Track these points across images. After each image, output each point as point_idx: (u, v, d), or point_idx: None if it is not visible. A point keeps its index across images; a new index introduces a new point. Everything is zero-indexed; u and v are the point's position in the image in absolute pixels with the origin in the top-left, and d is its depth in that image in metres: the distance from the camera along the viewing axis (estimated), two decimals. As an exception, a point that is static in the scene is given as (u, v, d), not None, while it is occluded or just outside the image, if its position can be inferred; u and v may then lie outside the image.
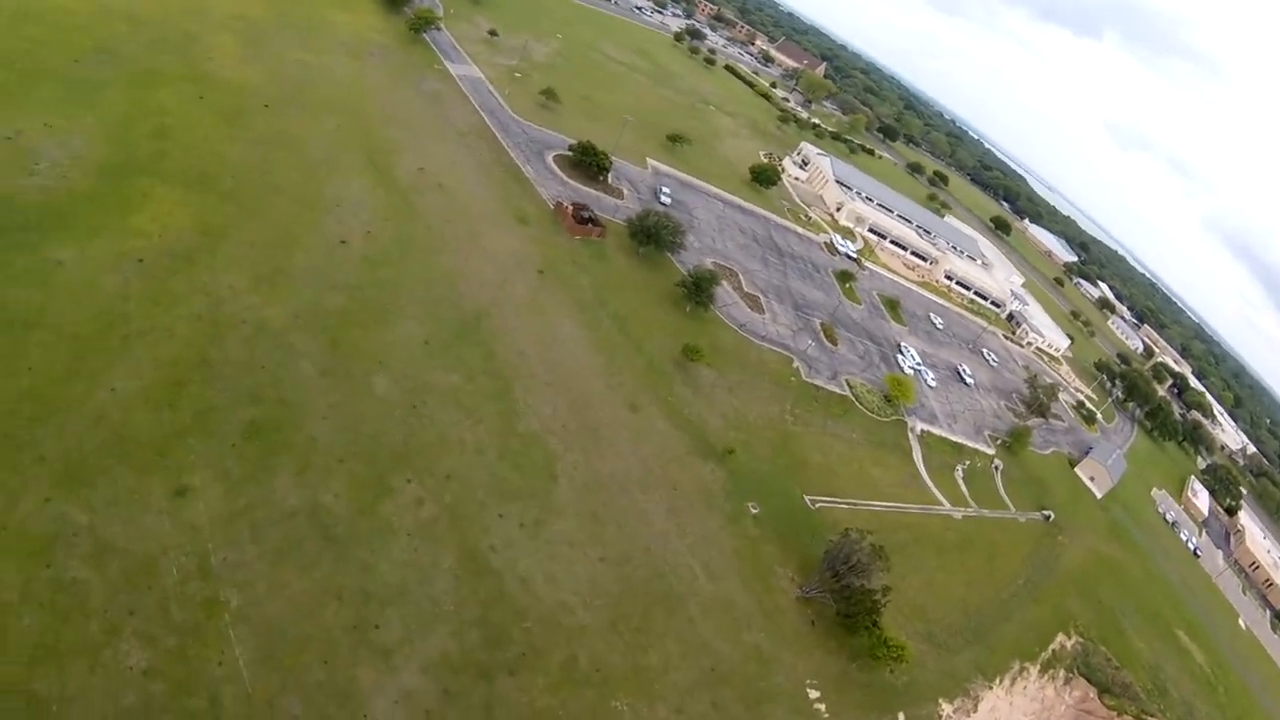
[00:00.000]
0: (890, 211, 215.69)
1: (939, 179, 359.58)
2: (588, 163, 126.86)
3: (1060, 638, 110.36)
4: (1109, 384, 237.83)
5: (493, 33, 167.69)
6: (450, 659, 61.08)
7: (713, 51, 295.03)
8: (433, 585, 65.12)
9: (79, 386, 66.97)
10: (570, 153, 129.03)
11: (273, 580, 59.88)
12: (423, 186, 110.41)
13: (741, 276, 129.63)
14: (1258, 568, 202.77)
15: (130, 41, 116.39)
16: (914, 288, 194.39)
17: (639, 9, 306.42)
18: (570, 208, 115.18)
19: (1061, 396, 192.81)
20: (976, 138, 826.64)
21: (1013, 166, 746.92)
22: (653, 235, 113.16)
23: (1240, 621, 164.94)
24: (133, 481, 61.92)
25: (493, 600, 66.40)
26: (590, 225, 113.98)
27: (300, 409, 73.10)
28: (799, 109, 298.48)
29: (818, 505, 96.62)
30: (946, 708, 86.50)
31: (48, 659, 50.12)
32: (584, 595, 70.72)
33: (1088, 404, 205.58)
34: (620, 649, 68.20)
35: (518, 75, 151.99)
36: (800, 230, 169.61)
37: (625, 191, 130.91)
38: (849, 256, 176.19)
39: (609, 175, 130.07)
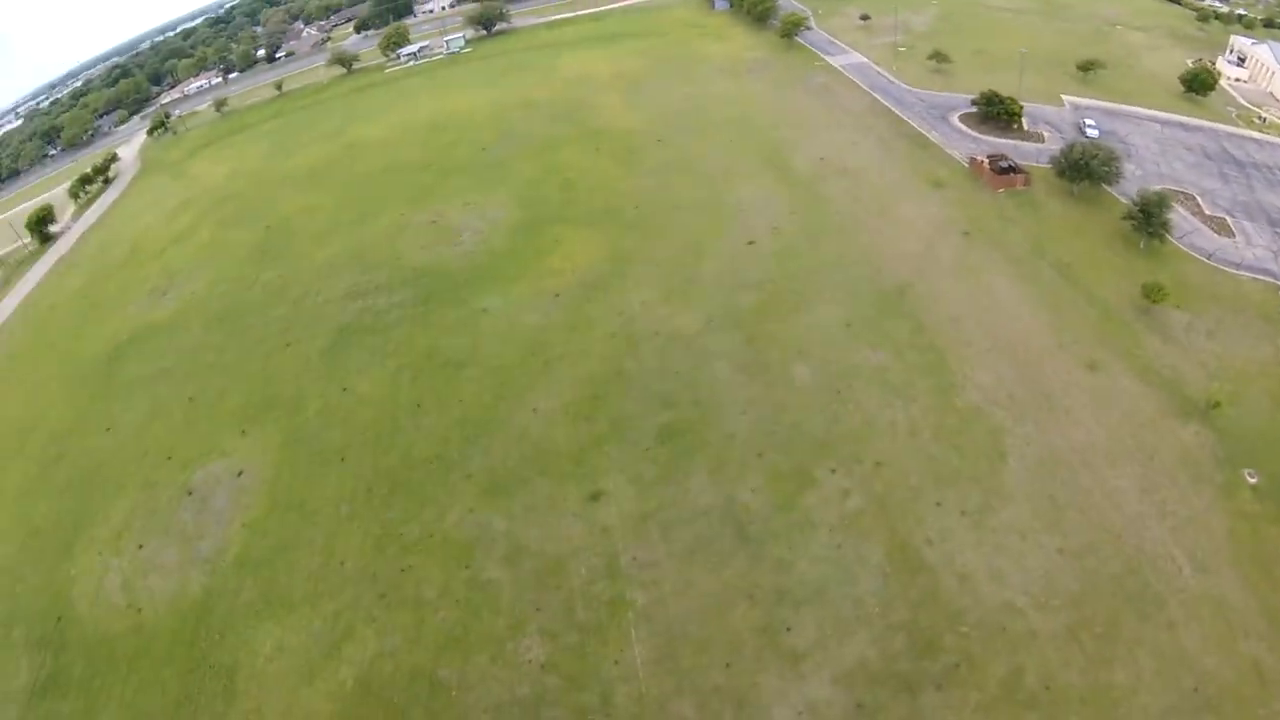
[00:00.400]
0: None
1: None
2: (996, 113, 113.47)
3: None
4: None
5: (865, 17, 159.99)
6: (868, 667, 51.47)
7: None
8: (856, 584, 56.01)
9: (504, 411, 72.12)
10: (975, 108, 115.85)
11: (680, 580, 55.68)
12: (825, 175, 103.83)
13: (1199, 198, 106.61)
14: None
15: (526, 123, 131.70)
16: None
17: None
18: (985, 161, 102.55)
19: None
20: None
21: None
22: (1083, 168, 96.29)
23: None
24: (549, 490, 63.46)
25: (924, 601, 55.22)
26: (1012, 174, 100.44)
27: (716, 408, 69.49)
28: (1216, 3, 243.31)
29: (1336, 467, 71.79)
30: None
31: (455, 649, 52.82)
32: (1036, 594, 56.29)
33: None
34: (1079, 662, 52.83)
35: (902, 49, 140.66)
36: (1257, 135, 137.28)
37: (1045, 134, 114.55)
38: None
39: (1023, 121, 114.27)
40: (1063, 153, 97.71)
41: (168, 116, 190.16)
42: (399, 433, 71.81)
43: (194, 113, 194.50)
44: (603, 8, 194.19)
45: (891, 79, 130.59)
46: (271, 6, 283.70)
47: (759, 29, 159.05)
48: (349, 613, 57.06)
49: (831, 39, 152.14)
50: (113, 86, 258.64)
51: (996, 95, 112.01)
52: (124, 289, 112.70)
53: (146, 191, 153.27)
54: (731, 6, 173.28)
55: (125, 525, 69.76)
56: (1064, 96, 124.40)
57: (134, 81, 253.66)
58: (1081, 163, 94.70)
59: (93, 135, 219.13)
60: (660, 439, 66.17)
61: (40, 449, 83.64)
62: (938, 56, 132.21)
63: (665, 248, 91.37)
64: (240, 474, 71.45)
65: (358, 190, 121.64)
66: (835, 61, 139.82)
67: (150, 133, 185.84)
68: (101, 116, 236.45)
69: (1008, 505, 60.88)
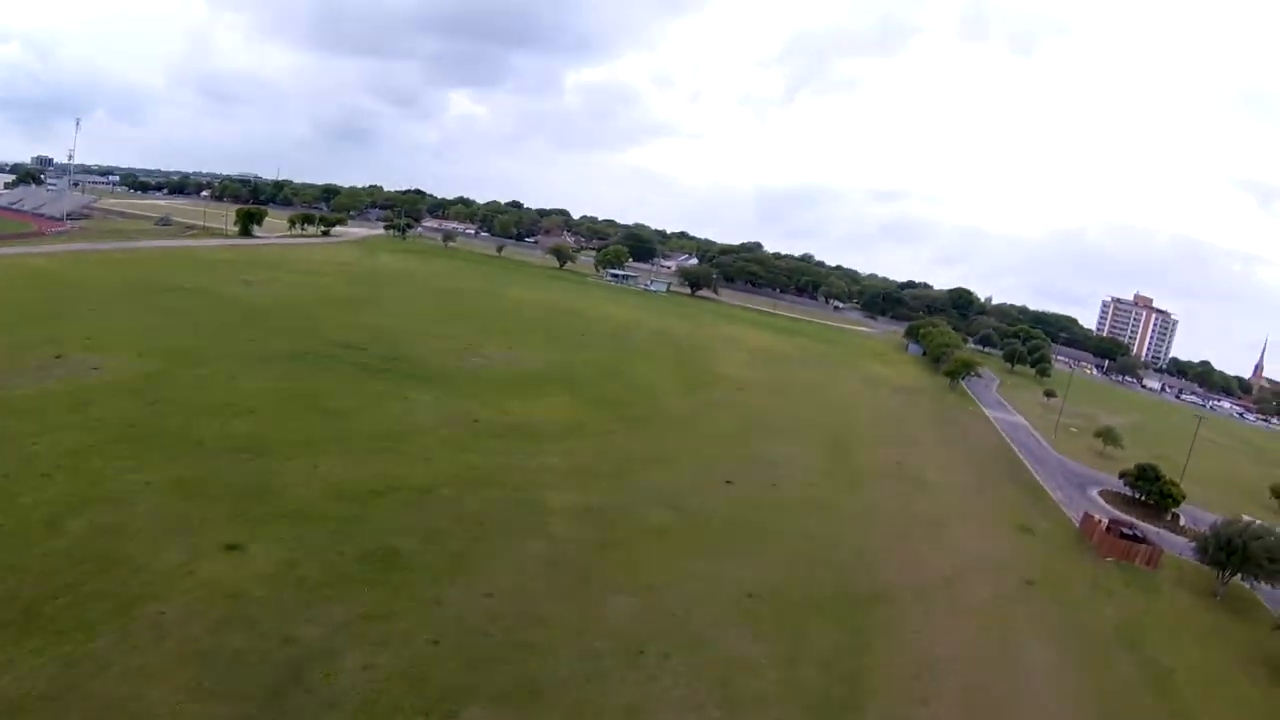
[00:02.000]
0: None
1: None
2: (1148, 492, 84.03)
3: None
4: None
5: (1049, 394, 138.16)
6: None
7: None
8: None
9: (284, 454, 57.25)
10: (1123, 483, 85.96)
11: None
12: (887, 475, 78.48)
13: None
14: None
15: (646, 339, 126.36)
16: None
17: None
18: (1105, 521, 72.94)
19: None
20: None
21: None
22: (1239, 551, 63.27)
23: None
24: (215, 517, 45.77)
25: None
26: (1134, 544, 69.57)
27: (453, 582, 42.83)
28: None
29: None
30: None
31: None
32: None
33: None
34: None
35: (1073, 430, 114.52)
36: None
37: (1203, 534, 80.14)
38: None
39: (1179, 515, 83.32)
40: (1214, 528, 67.23)
41: (408, 226, 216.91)
42: (208, 416, 61.48)
43: (432, 236, 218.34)
44: (807, 318, 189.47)
45: (1041, 440, 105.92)
46: (560, 215, 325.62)
47: (933, 371, 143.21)
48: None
49: (1001, 400, 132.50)
50: (403, 194, 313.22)
51: (1154, 471, 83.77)
52: (238, 271, 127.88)
53: (338, 247, 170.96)
54: (925, 354, 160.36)
55: (4, 350, 70.68)
56: (1245, 516, 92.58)
57: (414, 198, 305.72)
58: (1239, 543, 63.85)
59: (356, 213, 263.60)
60: (363, 560, 43.22)
61: (51, 299, 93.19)
62: (1106, 436, 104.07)
63: (633, 448, 70.43)
64: (94, 369, 69.17)
65: (458, 313, 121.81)
66: (991, 413, 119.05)
67: (386, 228, 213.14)
68: (373, 207, 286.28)
69: None
